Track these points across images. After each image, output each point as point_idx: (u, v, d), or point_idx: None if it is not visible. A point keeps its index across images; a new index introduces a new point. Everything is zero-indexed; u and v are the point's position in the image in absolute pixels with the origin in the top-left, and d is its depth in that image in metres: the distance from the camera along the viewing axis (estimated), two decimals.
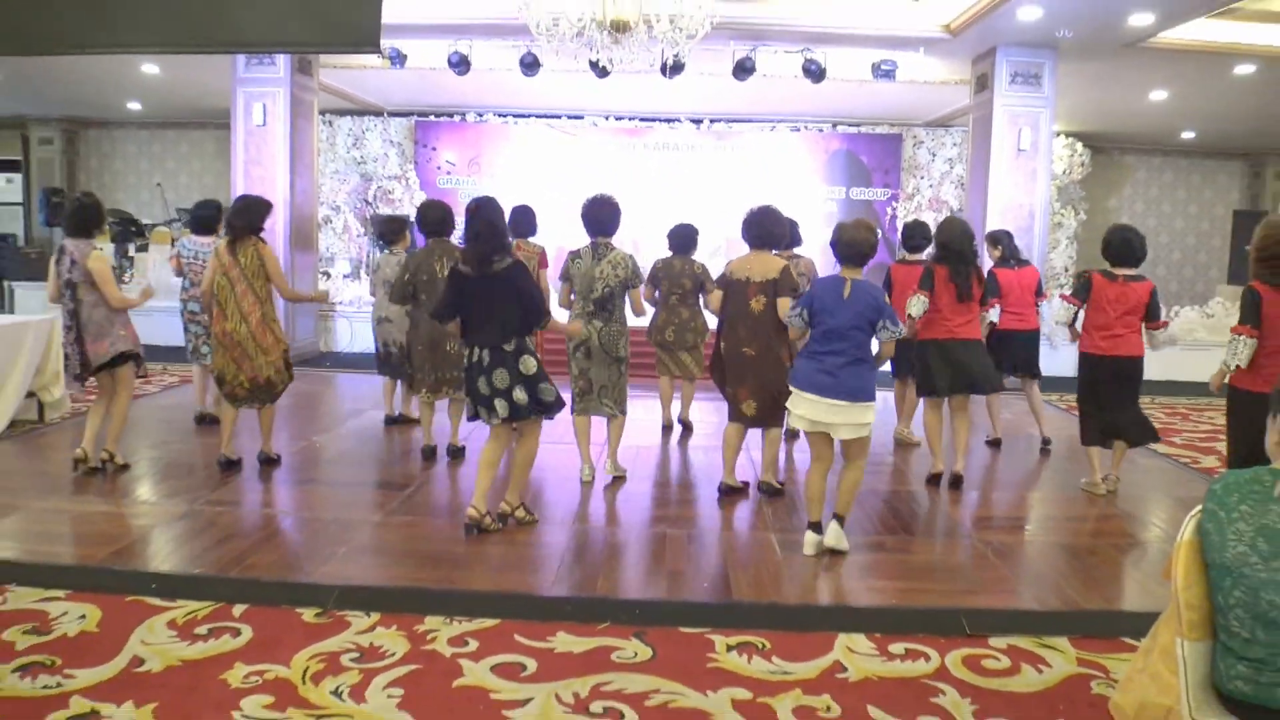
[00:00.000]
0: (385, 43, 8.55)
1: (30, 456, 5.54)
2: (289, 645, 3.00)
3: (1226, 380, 3.89)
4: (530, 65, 8.90)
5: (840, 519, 4.05)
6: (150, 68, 10.40)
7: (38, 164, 13.98)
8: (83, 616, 3.17)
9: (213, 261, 4.98)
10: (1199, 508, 1.83)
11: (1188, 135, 13.17)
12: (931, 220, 9.84)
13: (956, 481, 5.15)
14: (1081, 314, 5.04)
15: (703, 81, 9.78)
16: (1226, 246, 14.00)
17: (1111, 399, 4.93)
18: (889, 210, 12.76)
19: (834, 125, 13.01)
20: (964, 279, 5.07)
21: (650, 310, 5.92)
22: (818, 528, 4.01)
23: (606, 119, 12.91)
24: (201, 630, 3.09)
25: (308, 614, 3.25)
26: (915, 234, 6.06)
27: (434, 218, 5.25)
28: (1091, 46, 8.42)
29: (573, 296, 4.95)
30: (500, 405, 4.03)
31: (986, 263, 6.07)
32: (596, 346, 4.86)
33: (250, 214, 4.98)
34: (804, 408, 3.95)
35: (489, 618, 3.24)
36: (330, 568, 3.72)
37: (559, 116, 12.82)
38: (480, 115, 12.99)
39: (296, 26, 2.10)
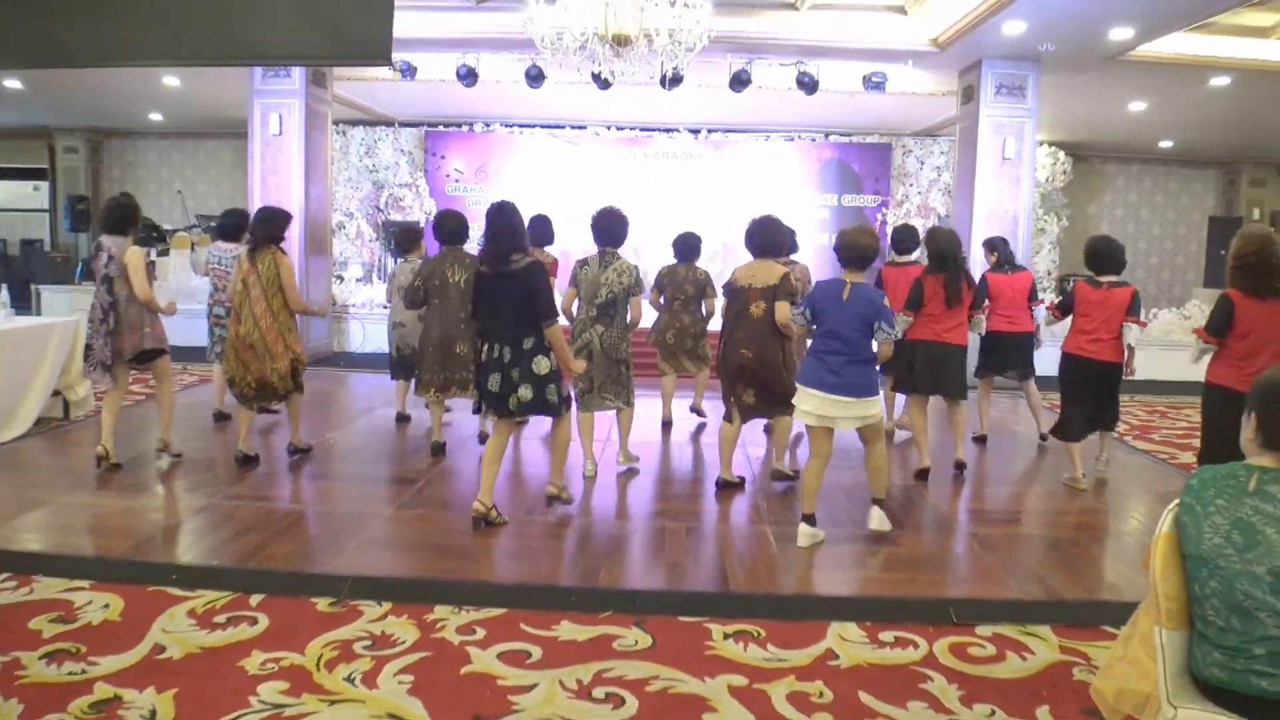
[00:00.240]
0: (396, 56, 8.71)
1: (56, 453, 5.66)
2: (304, 633, 3.07)
3: (1205, 379, 4.03)
4: (535, 77, 9.10)
5: (879, 501, 4.24)
6: (171, 80, 10.60)
7: (63, 172, 14.24)
8: (106, 606, 3.25)
9: (235, 268, 5.15)
10: (1177, 501, 1.88)
11: (1165, 144, 13.28)
12: (920, 226, 9.95)
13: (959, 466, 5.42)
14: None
15: (701, 93, 9.96)
16: (1202, 251, 14.06)
17: (1092, 397, 5.18)
18: (879, 216, 12.96)
19: (826, 135, 13.21)
20: (954, 285, 5.22)
21: (648, 318, 6.04)
22: (812, 520, 4.11)
23: (608, 129, 13.11)
24: (220, 619, 3.17)
25: (322, 603, 3.33)
26: (905, 237, 6.34)
27: (449, 227, 5.40)
28: (1073, 59, 8.54)
29: (577, 302, 5.08)
30: (512, 402, 4.13)
31: (983, 267, 6.32)
32: (599, 350, 4.97)
33: (271, 225, 5.14)
34: (810, 403, 4.07)
35: (496, 607, 3.32)
36: (343, 559, 3.80)
37: (563, 126, 13.05)
38: (488, 125, 13.23)
39: (311, 40, 2.18)
